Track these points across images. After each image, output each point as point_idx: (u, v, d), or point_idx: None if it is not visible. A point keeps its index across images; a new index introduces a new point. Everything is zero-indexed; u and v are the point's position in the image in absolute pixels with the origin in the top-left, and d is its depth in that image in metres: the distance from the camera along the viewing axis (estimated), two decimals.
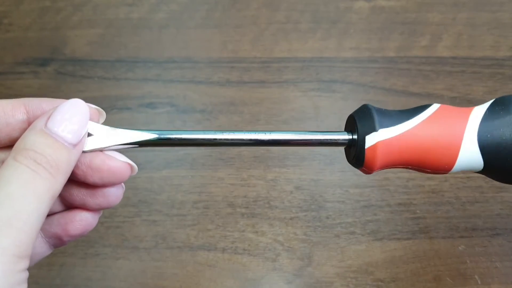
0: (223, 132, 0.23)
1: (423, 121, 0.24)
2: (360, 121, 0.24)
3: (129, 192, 0.43)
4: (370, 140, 0.23)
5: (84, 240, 0.41)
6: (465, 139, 0.23)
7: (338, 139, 0.24)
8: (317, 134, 0.24)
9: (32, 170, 0.19)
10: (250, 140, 0.24)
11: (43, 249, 0.23)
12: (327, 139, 0.25)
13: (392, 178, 0.43)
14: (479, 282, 0.38)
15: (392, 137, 0.23)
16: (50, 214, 0.23)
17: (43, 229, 0.23)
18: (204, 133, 0.23)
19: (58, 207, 0.24)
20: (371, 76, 0.48)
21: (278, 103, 0.47)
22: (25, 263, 0.18)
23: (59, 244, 0.24)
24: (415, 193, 0.42)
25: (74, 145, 0.20)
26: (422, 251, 0.40)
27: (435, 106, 0.24)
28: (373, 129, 0.23)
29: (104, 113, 0.23)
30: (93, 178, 0.22)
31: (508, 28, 0.51)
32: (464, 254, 0.39)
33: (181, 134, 0.23)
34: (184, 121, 0.46)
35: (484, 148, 0.23)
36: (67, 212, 0.23)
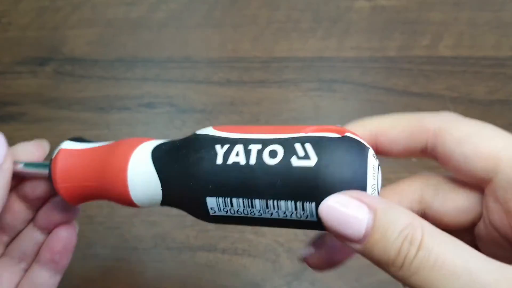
0: None
1: (107, 144, 0.23)
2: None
3: None
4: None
5: (83, 241, 0.40)
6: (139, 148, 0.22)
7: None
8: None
9: None
10: None
11: (51, 279, 0.26)
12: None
13: (393, 178, 0.42)
14: None
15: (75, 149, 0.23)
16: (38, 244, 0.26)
17: (39, 261, 0.26)
18: None
19: (41, 236, 0.26)
20: (372, 76, 0.48)
21: (278, 103, 0.47)
22: None
23: (56, 267, 0.26)
24: None
25: None
26: None
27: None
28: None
29: (46, 145, 0.25)
30: (36, 189, 0.24)
31: (510, 27, 0.50)
32: None
33: None
34: (184, 121, 0.46)
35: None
36: (48, 236, 0.26)
